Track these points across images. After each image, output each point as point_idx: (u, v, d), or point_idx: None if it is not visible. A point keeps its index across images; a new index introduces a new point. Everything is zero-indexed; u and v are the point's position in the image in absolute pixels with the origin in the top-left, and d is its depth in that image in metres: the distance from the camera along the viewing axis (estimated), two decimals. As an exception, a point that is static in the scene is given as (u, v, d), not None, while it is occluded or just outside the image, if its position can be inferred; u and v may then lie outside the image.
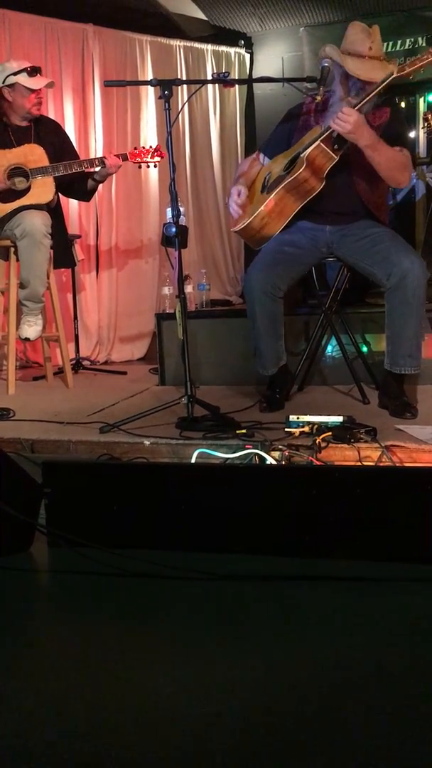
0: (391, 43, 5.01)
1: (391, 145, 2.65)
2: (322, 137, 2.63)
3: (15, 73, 3.43)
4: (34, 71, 3.45)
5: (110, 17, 4.82)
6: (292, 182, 2.68)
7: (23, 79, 3.42)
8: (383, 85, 2.55)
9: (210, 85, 5.31)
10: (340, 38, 2.69)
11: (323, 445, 2.16)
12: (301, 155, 2.67)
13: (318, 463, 2.06)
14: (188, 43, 5.27)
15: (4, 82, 3.45)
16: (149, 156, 3.58)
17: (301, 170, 2.64)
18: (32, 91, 3.44)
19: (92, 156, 4.60)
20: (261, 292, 2.69)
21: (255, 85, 5.56)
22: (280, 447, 2.11)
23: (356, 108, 2.52)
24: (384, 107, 2.76)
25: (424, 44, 4.96)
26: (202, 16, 5.20)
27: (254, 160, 3.03)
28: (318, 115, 2.82)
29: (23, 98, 3.45)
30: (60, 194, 3.65)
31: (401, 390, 2.68)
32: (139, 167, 3.69)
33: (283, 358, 2.83)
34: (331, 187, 2.69)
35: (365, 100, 2.57)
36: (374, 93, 2.57)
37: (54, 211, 3.54)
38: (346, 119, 2.49)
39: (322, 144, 2.63)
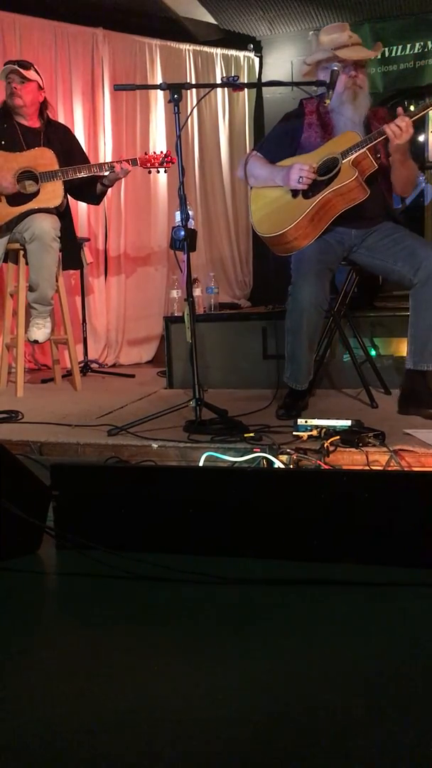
0: (399, 47, 4.99)
1: None
2: (368, 146, 2.60)
3: None
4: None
5: (120, 21, 4.84)
6: (341, 188, 2.62)
7: None
8: None
9: (219, 89, 5.32)
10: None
11: (331, 449, 2.16)
12: (343, 162, 2.62)
13: (326, 467, 2.06)
14: (197, 47, 5.28)
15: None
16: (160, 162, 3.57)
17: (353, 178, 2.58)
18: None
19: (101, 159, 4.64)
20: (312, 306, 2.60)
21: (264, 89, 5.57)
22: (288, 450, 2.11)
23: (413, 119, 2.52)
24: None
25: (432, 48, 4.97)
26: (211, 20, 5.21)
27: (261, 159, 2.89)
28: (326, 114, 2.80)
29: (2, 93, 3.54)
30: (69, 196, 3.67)
31: (430, 387, 2.62)
32: (149, 172, 3.69)
33: (311, 372, 2.75)
34: None
35: (423, 113, 2.57)
36: None
37: (62, 214, 3.56)
38: (406, 130, 2.50)
39: (368, 152, 2.61)
